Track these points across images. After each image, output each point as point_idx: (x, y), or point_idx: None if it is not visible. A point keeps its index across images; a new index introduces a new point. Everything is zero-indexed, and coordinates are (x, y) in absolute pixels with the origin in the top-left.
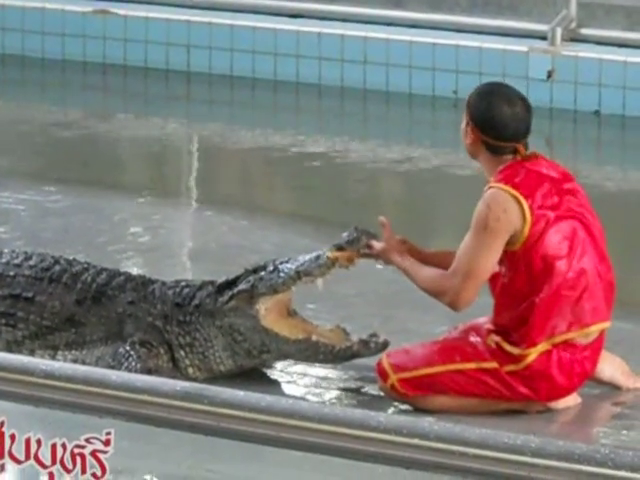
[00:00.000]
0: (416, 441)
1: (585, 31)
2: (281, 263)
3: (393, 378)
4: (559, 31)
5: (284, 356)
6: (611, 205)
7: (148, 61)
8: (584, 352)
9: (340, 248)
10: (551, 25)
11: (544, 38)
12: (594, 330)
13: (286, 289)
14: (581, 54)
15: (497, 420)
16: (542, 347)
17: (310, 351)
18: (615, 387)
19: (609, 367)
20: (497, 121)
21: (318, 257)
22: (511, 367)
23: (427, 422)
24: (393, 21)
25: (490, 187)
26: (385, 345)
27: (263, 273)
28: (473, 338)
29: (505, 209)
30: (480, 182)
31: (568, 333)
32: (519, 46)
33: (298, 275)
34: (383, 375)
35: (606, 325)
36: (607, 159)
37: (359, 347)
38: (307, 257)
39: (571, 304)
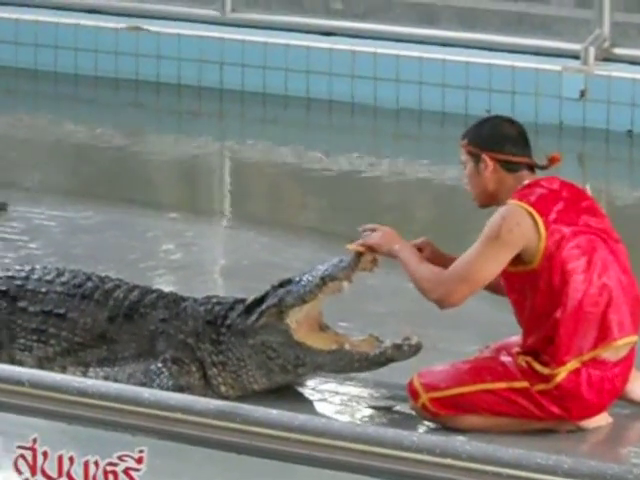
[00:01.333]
0: (449, 461)
1: (618, 50)
2: (305, 274)
3: (424, 397)
4: (592, 50)
5: (319, 368)
6: None
7: (181, 78)
8: (614, 369)
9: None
10: (584, 44)
11: (577, 57)
12: (621, 344)
13: (313, 297)
14: (614, 73)
15: (529, 440)
16: (571, 365)
17: (345, 360)
18: None
19: None
20: (508, 135)
21: (341, 261)
22: (542, 386)
23: (459, 442)
24: (426, 39)
25: (506, 204)
26: (418, 347)
27: (289, 286)
28: (504, 358)
29: (519, 222)
30: None
31: (596, 350)
32: (552, 65)
33: (323, 281)
34: (414, 394)
35: (634, 339)
36: (639, 179)
37: (393, 351)
38: (330, 263)
39: (596, 320)
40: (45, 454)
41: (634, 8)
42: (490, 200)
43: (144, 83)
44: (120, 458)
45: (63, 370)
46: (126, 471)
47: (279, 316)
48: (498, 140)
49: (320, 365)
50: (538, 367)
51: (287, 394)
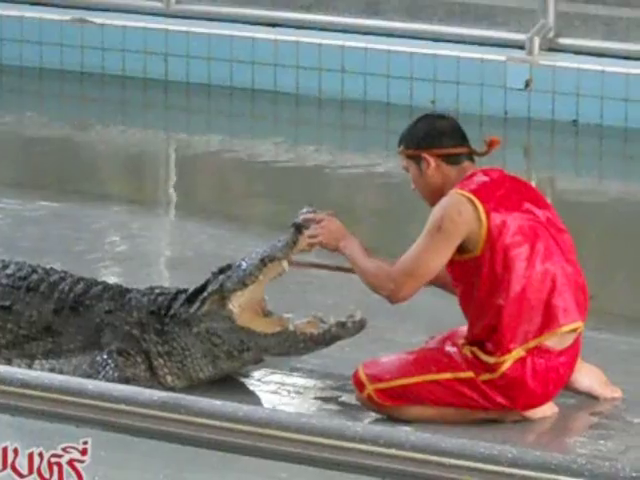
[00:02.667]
0: (393, 451)
1: (563, 41)
2: (244, 258)
3: (370, 388)
4: (537, 40)
5: (265, 351)
6: (588, 215)
7: (126, 70)
8: (559, 358)
9: (298, 226)
10: (529, 34)
11: (522, 47)
12: (567, 330)
13: (254, 279)
14: (559, 64)
15: (474, 430)
16: (516, 353)
17: (289, 342)
18: (592, 397)
19: (586, 377)
20: (442, 129)
21: (279, 241)
22: (487, 376)
23: (404, 432)
24: (370, 30)
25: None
26: (362, 323)
27: (229, 272)
28: (449, 348)
29: (460, 211)
30: None
31: (541, 336)
32: (497, 55)
33: (263, 262)
34: (360, 385)
35: (579, 325)
36: (584, 169)
37: (337, 329)
38: (268, 244)
39: (540, 307)
40: None
41: None
42: (440, 197)
43: (89, 75)
44: (64, 450)
45: (8, 362)
46: (70, 462)
47: (221, 302)
48: (434, 136)
49: (265, 348)
50: (483, 357)
51: (233, 385)
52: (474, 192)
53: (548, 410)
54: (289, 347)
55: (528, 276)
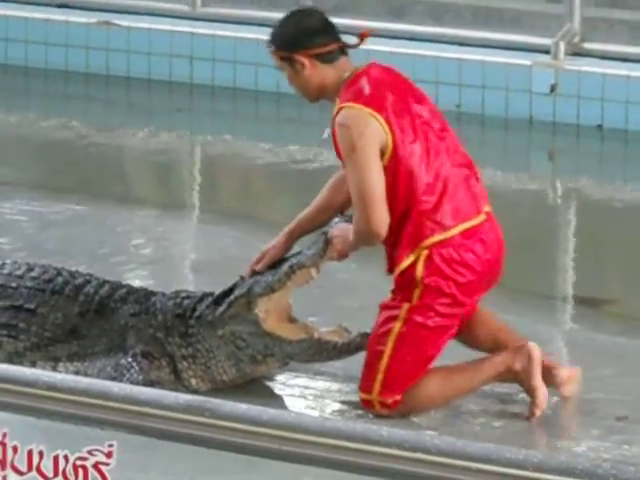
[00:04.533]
0: (418, 455)
1: (588, 45)
2: (274, 265)
3: (374, 398)
4: (562, 45)
5: (288, 357)
6: (612, 220)
7: (151, 72)
8: (468, 240)
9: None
10: (554, 39)
11: (547, 52)
12: (455, 232)
13: (282, 286)
14: (584, 68)
15: (499, 434)
16: (414, 256)
17: (313, 349)
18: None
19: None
20: (312, 28)
21: (309, 249)
22: (416, 294)
23: (429, 436)
24: (396, 34)
25: (340, 108)
26: None
27: (258, 276)
28: (380, 316)
29: (365, 124)
30: None
31: (431, 238)
32: (522, 60)
33: (292, 269)
34: (367, 404)
35: (475, 222)
36: (609, 174)
37: (362, 340)
38: (298, 251)
39: (432, 209)
40: (15, 449)
41: (604, 3)
42: (319, 94)
43: (114, 77)
44: (90, 452)
45: (33, 365)
46: (96, 465)
47: (248, 306)
48: (305, 37)
49: (289, 354)
50: (401, 272)
51: (257, 389)
52: (367, 104)
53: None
54: (313, 354)
55: (423, 180)
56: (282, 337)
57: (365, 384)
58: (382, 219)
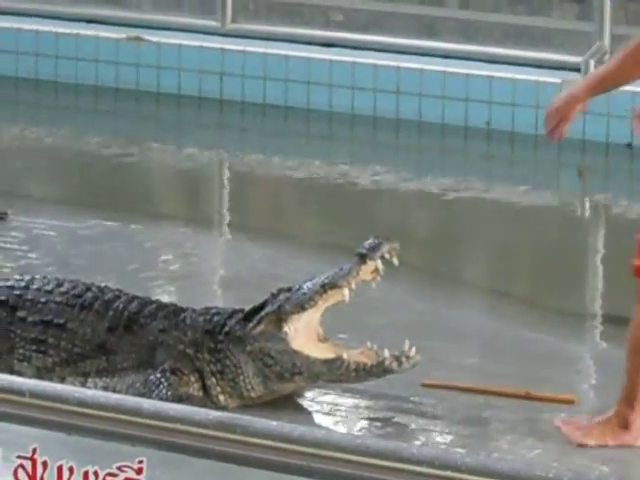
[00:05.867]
0: (449, 473)
1: None
2: (305, 282)
3: None
4: (592, 63)
5: (316, 377)
6: None
7: (181, 88)
8: None
9: (362, 256)
10: (584, 57)
11: (577, 70)
12: None
13: (313, 304)
14: None
15: (530, 452)
16: None
17: (342, 370)
18: None
19: None
20: None
21: (341, 269)
22: None
23: (459, 454)
24: (426, 51)
25: None
26: (415, 362)
27: (289, 294)
28: None
29: None
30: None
31: None
32: (552, 78)
33: (324, 288)
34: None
35: None
36: (639, 191)
37: (391, 362)
38: (331, 271)
39: None
40: (45, 464)
41: (634, 21)
42: None
43: (144, 93)
44: (119, 468)
45: (62, 380)
46: None
47: (278, 323)
48: None
49: (317, 374)
50: None
51: (286, 406)
52: None
53: None
54: (340, 375)
55: None
56: (310, 356)
57: None
58: None
